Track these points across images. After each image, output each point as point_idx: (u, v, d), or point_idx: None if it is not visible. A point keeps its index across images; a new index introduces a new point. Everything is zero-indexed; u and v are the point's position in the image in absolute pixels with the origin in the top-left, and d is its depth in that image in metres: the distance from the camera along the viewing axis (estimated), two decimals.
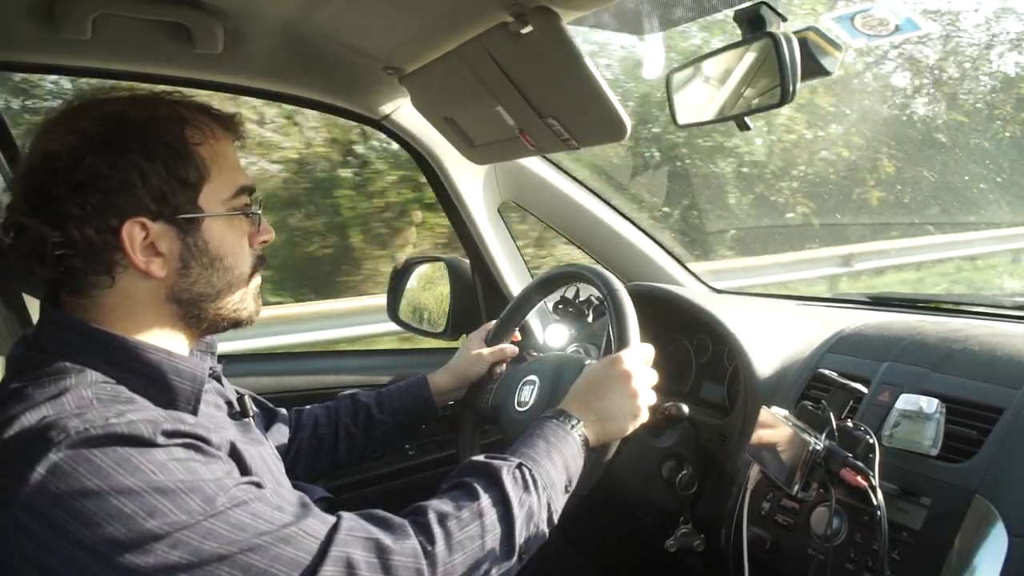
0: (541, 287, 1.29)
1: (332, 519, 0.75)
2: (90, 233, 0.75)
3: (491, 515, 0.81)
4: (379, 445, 1.26)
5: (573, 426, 0.94)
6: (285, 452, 1.18)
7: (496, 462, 0.86)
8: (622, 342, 1.03)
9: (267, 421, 1.18)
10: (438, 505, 0.81)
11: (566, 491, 0.91)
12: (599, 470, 0.96)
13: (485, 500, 0.81)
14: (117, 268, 0.77)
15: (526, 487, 0.85)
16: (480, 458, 0.87)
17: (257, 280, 0.90)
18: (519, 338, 1.34)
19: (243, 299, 0.87)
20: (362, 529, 0.75)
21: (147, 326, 0.81)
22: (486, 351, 1.29)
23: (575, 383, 1.01)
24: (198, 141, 0.80)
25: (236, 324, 0.88)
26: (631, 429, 0.98)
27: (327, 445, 1.22)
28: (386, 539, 0.75)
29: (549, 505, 0.87)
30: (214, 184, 0.82)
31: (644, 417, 0.98)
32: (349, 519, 0.76)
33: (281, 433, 1.18)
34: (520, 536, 0.82)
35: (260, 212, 0.88)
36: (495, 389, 1.26)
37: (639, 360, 1.00)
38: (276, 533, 0.70)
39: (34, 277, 0.79)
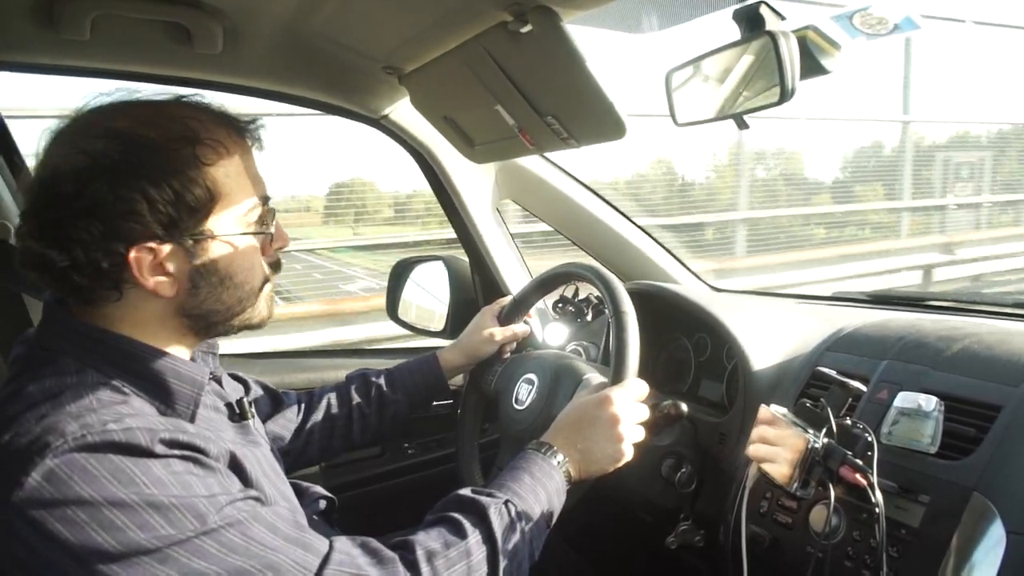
0: (553, 279, 1.29)
1: (324, 548, 0.75)
2: (96, 256, 0.74)
3: (478, 554, 0.82)
4: (392, 424, 1.27)
5: (559, 462, 0.94)
6: (296, 436, 1.19)
7: (483, 499, 0.86)
8: (618, 375, 1.02)
9: (274, 407, 1.19)
10: (426, 541, 0.81)
11: (548, 526, 0.91)
12: (571, 504, 0.96)
13: (473, 539, 0.82)
14: (125, 285, 0.77)
15: (512, 525, 0.85)
16: (468, 492, 0.88)
17: (269, 286, 0.89)
18: (532, 316, 1.35)
19: (255, 307, 0.86)
20: (352, 564, 0.76)
21: (154, 333, 0.81)
22: (498, 332, 1.29)
23: (564, 412, 1.01)
24: (210, 161, 0.77)
25: (248, 328, 0.88)
26: (611, 470, 0.98)
27: (341, 427, 1.23)
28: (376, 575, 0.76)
29: (532, 542, 0.88)
30: (225, 203, 0.79)
31: (627, 459, 0.98)
32: (340, 550, 0.76)
33: (288, 419, 1.20)
34: (503, 575, 0.83)
35: (275, 218, 0.87)
36: (499, 373, 1.27)
37: (630, 399, 1.00)
38: (266, 558, 0.71)
39: (43, 288, 0.80)
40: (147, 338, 0.80)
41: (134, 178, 0.73)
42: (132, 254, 0.75)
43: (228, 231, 0.80)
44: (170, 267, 0.77)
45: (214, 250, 0.80)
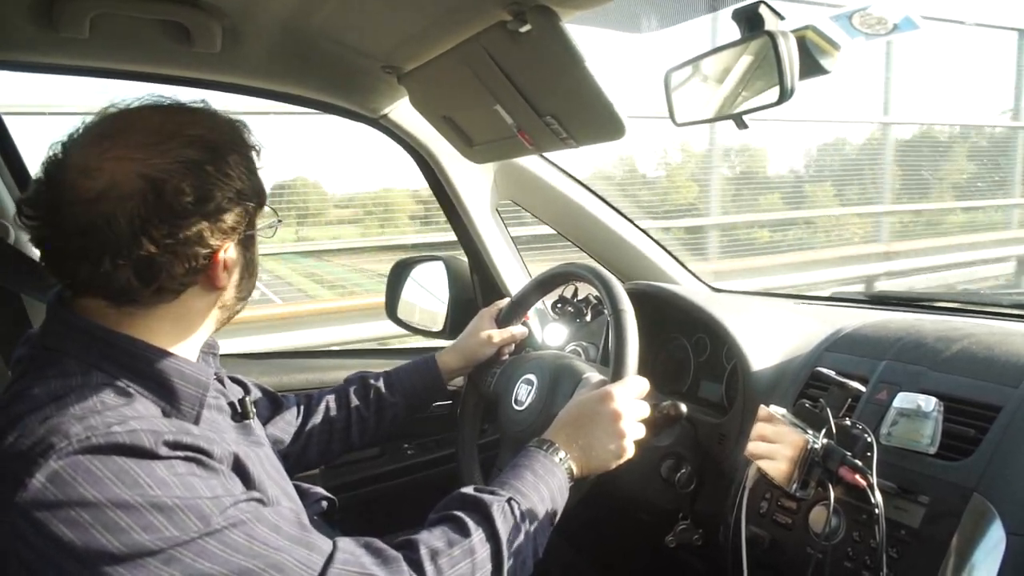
0: (552, 280, 1.29)
1: (328, 548, 0.76)
2: (198, 253, 0.76)
3: (482, 552, 0.82)
4: (390, 426, 1.28)
5: (561, 459, 0.94)
6: (296, 439, 1.20)
7: (486, 497, 0.86)
8: (618, 372, 1.03)
9: (273, 410, 1.19)
10: (429, 540, 0.81)
11: (551, 524, 0.91)
12: (573, 501, 0.96)
13: (476, 537, 0.82)
14: (191, 288, 0.79)
15: (515, 523, 0.86)
16: (470, 491, 0.88)
17: None
18: (529, 318, 1.35)
19: None
20: (357, 563, 0.76)
21: (193, 327, 0.83)
22: (496, 335, 1.30)
23: (565, 409, 1.01)
24: (261, 164, 0.84)
25: None
26: (613, 466, 0.98)
27: (339, 430, 1.23)
28: (381, 575, 0.76)
29: (536, 539, 0.88)
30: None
31: (629, 455, 0.99)
32: (344, 550, 0.76)
33: (288, 422, 1.20)
34: (508, 572, 0.83)
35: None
36: (498, 375, 1.28)
37: (631, 396, 1.00)
38: (270, 558, 0.70)
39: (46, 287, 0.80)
40: (181, 334, 0.81)
41: (228, 179, 0.77)
42: (221, 251, 0.78)
43: (263, 223, 0.87)
44: (230, 261, 0.81)
45: (255, 242, 0.86)
